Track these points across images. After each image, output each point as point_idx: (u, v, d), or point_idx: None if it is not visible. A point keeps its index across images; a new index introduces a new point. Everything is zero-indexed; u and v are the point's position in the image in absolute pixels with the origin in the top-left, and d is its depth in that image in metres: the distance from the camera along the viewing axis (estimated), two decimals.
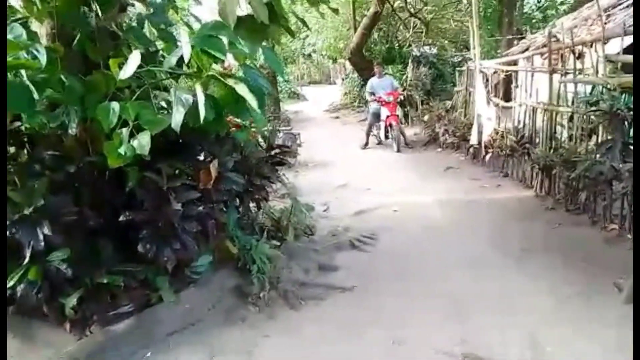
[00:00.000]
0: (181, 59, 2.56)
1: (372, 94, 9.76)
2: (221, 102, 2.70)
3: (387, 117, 9.31)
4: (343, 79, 23.36)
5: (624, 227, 4.15)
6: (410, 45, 16.31)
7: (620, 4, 8.51)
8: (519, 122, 6.33)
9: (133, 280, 3.01)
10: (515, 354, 2.74)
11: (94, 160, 2.87)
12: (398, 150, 9.08)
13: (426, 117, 9.86)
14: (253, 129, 3.93)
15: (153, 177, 2.81)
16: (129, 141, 2.51)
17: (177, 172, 3.12)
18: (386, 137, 9.60)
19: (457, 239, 4.60)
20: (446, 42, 17.87)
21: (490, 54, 13.18)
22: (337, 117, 16.63)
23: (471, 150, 7.64)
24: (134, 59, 2.48)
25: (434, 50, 16.58)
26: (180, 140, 3.23)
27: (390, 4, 15.54)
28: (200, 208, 3.13)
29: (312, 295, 3.50)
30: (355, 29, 15.03)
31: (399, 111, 9.56)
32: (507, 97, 8.47)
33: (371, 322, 3.15)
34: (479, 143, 7.13)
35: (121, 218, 2.83)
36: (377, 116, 9.63)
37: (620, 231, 4.18)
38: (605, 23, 7.38)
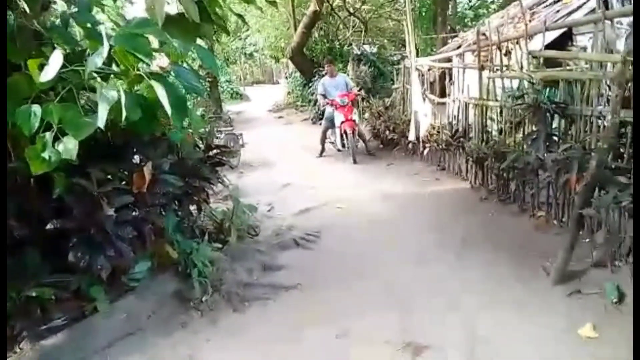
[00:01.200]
0: (109, 57, 2.47)
1: (325, 96, 8.52)
2: (152, 102, 2.63)
3: (342, 122, 8.10)
4: (286, 78, 23.33)
5: (550, 213, 4.42)
6: (350, 44, 16.53)
7: (544, 2, 9.06)
8: (453, 117, 6.58)
9: (65, 291, 2.87)
10: (454, 338, 2.85)
11: (15, 167, 2.71)
12: (354, 162, 7.90)
13: (367, 115, 10.02)
14: (189, 130, 3.85)
15: (82, 183, 2.69)
16: (53, 145, 2.39)
17: (109, 176, 3.01)
18: (343, 145, 8.39)
19: (399, 233, 4.72)
20: (385, 40, 18.29)
21: (426, 51, 13.61)
22: (281, 117, 16.62)
23: (410, 145, 7.86)
24: (56, 59, 2.36)
25: (374, 49, 16.90)
26: (112, 143, 3.12)
27: (329, 3, 15.70)
28: (136, 212, 3.04)
29: (256, 296, 3.48)
30: (296, 28, 15.05)
31: (355, 115, 8.22)
32: (443, 93, 8.77)
33: (315, 319, 3.17)
34: (417, 138, 7.35)
35: (49, 227, 2.69)
36: (331, 121, 8.43)
37: (547, 217, 4.45)
38: (530, 20, 7.83)
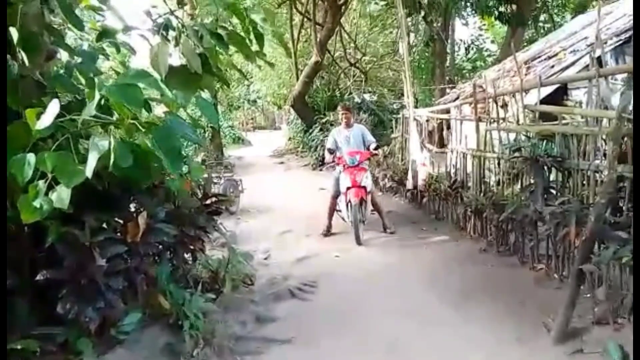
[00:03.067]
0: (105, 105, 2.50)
1: (333, 151, 6.54)
2: (147, 150, 2.64)
3: (347, 189, 6.10)
4: (288, 125, 23.72)
5: (550, 267, 4.35)
6: (351, 93, 16.92)
7: (539, 57, 9.32)
8: (451, 167, 6.61)
9: (51, 343, 2.77)
10: None
11: (10, 215, 2.69)
12: (358, 242, 5.95)
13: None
14: (187, 178, 3.85)
15: (74, 232, 2.66)
16: (47, 194, 2.38)
17: (104, 224, 2.98)
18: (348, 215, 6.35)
19: (397, 285, 4.63)
20: (385, 90, 18.71)
21: (425, 101, 13.90)
22: (282, 162, 16.76)
23: (409, 194, 7.87)
24: (52, 108, 2.39)
25: (374, 98, 17.28)
26: (109, 191, 3.11)
27: (331, 54, 16.19)
28: (128, 262, 2.98)
29: (248, 349, 3.37)
30: (298, 77, 15.44)
31: (366, 179, 6.15)
32: (442, 143, 8.88)
33: None
34: (415, 187, 7.37)
35: (38, 277, 2.63)
36: (338, 183, 6.40)
37: (547, 270, 4.38)
38: (526, 74, 8.03)
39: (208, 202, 3.95)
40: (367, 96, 17.12)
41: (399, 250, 5.73)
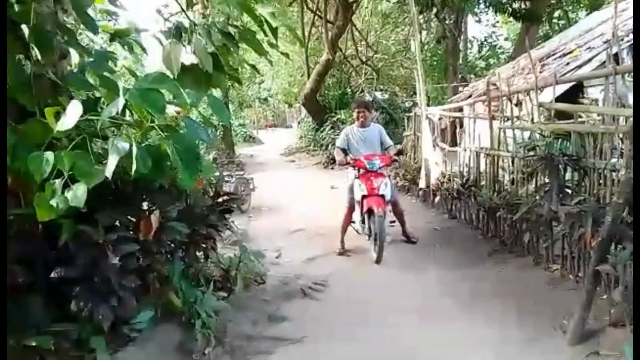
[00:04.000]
0: (124, 106, 2.51)
1: (345, 151, 5.67)
2: (163, 152, 2.65)
3: (364, 197, 5.28)
4: (299, 123, 23.73)
5: (565, 267, 4.29)
6: (362, 91, 16.89)
7: (554, 54, 9.20)
8: (464, 166, 6.55)
9: (65, 340, 2.80)
10: None
11: (25, 213, 2.71)
12: (377, 261, 5.09)
13: None
14: (200, 176, 3.86)
15: (88, 230, 2.67)
16: (63, 192, 2.40)
17: (117, 223, 3.00)
18: (367, 230, 5.48)
19: (409, 284, 4.60)
20: (397, 88, 18.64)
21: (437, 99, 13.80)
22: (293, 161, 16.78)
23: (421, 193, 7.82)
24: (74, 108, 2.41)
25: (386, 96, 17.22)
26: (121, 190, 3.13)
27: (342, 52, 16.15)
28: (141, 261, 3.00)
29: (259, 349, 3.36)
30: (309, 75, 15.43)
31: (386, 187, 5.26)
32: (454, 141, 8.81)
33: None
34: (428, 186, 7.32)
35: (53, 274, 2.66)
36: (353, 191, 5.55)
37: (562, 271, 4.31)
38: (540, 72, 7.93)
39: (219, 200, 3.96)
40: (378, 94, 17.07)
41: (412, 250, 5.69)
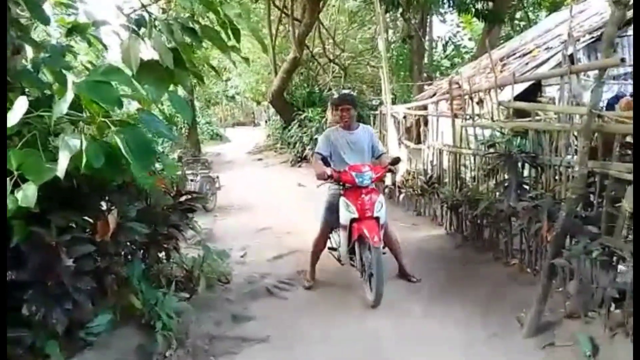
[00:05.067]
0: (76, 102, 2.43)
1: (325, 160, 4.28)
2: (118, 149, 2.57)
3: (354, 221, 4.07)
4: (266, 122, 23.61)
5: (523, 261, 4.41)
6: (330, 89, 16.91)
7: (514, 54, 9.44)
8: (428, 163, 6.65)
9: (18, 347, 2.69)
10: None
11: None
12: (375, 304, 3.96)
13: None
14: (161, 175, 3.78)
15: (40, 232, 2.57)
16: (12, 192, 2.30)
17: (72, 224, 2.90)
18: (351, 258, 4.39)
19: None
20: (364, 86, 18.75)
21: (403, 98, 13.96)
22: (260, 159, 16.69)
23: (387, 190, 7.90)
24: (20, 105, 2.31)
25: (354, 94, 17.28)
26: (78, 189, 3.03)
27: (310, 50, 16.13)
28: (98, 262, 2.91)
29: (223, 349, 3.33)
30: (276, 72, 15.35)
31: (382, 208, 4.11)
32: (420, 139, 8.94)
33: None
34: (393, 183, 7.40)
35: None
36: (334, 211, 4.31)
37: (521, 265, 4.44)
38: (501, 71, 8.13)
39: (182, 199, 3.89)
40: (346, 92, 17.13)
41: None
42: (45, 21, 3.16)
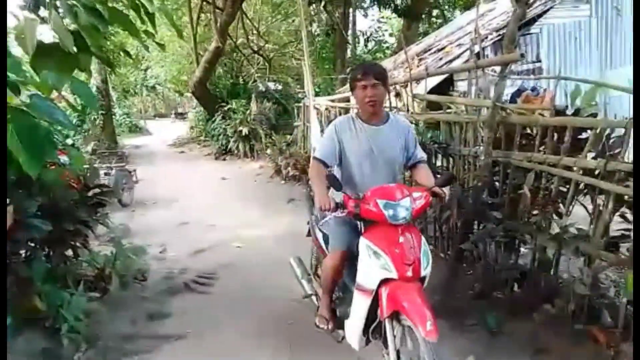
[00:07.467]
0: None
1: (327, 165, 2.75)
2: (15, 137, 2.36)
3: (384, 283, 2.34)
4: (184, 113, 22.91)
5: (437, 248, 4.64)
6: (255, 81, 16.69)
7: (430, 50, 9.87)
8: None
9: None
10: None
11: None
12: None
13: (269, 151, 10.05)
14: (67, 168, 3.54)
15: None
16: None
17: None
18: (367, 341, 2.57)
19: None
20: (289, 78, 18.71)
21: (327, 91, 14.11)
22: (183, 152, 16.20)
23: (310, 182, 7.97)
24: None
25: (279, 86, 17.21)
26: None
27: (233, 40, 15.80)
28: None
29: (137, 349, 3.19)
30: (198, 62, 14.88)
31: (428, 262, 2.44)
32: None
33: None
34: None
35: None
36: (354, 226, 2.70)
37: (435, 251, 4.65)
38: (418, 66, 8.47)
39: (90, 193, 3.66)
40: (271, 84, 17.01)
41: (302, 239, 5.77)
42: None
